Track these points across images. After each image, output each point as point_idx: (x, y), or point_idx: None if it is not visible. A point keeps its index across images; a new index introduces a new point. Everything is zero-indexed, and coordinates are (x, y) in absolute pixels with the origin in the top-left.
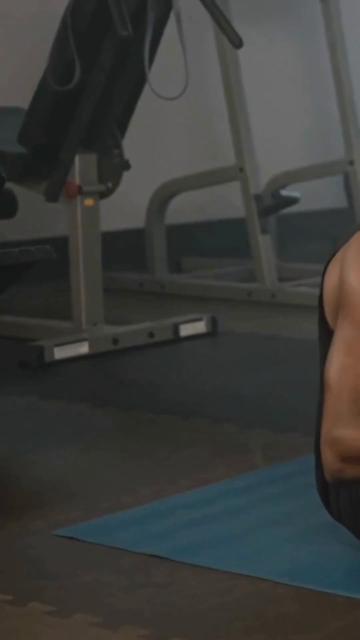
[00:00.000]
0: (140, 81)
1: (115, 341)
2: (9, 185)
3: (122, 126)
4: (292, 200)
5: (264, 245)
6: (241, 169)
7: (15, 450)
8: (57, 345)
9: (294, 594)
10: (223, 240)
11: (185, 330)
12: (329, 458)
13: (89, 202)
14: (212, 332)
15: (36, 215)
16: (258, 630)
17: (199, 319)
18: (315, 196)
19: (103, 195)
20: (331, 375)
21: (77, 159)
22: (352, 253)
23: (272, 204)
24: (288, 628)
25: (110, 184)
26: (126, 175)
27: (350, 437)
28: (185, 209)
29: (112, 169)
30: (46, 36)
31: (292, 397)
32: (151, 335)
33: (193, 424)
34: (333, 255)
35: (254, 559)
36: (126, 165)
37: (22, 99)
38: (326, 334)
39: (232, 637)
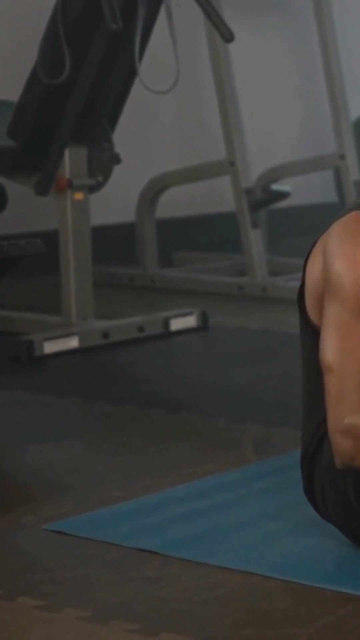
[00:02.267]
0: (130, 75)
1: (105, 335)
2: None
3: (113, 120)
4: (283, 195)
5: (255, 239)
6: (232, 163)
7: (5, 444)
8: (46, 339)
9: (284, 588)
10: (214, 234)
11: (176, 324)
12: (343, 446)
13: (79, 196)
14: (203, 327)
15: (26, 209)
16: (248, 625)
17: (190, 314)
18: (306, 190)
19: (93, 189)
20: (329, 359)
21: (67, 152)
22: (334, 241)
23: (262, 198)
24: (278, 622)
25: (100, 178)
26: (116, 169)
27: None
28: (175, 203)
29: (103, 163)
30: (36, 29)
31: (282, 391)
32: (141, 329)
33: (183, 418)
34: (312, 248)
35: (244, 553)
36: (116, 159)
37: (12, 92)
38: (307, 327)
39: (222, 632)
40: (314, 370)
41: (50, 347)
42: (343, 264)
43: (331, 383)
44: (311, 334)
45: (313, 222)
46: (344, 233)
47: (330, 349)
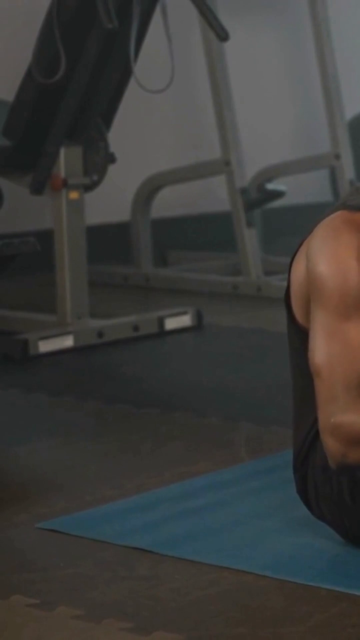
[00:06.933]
0: (125, 74)
1: (100, 334)
2: None
3: (108, 119)
4: (278, 194)
5: (250, 238)
6: (227, 162)
7: None
8: (41, 338)
9: (278, 586)
10: (209, 233)
11: (170, 323)
12: (332, 445)
13: (74, 195)
14: (197, 326)
15: (21, 208)
16: (241, 623)
17: (184, 313)
18: (301, 190)
19: (88, 188)
20: (318, 362)
21: (62, 151)
22: (317, 242)
23: (257, 197)
24: (271, 621)
25: (95, 177)
26: (111, 168)
27: (351, 422)
28: (170, 202)
29: (98, 162)
30: (31, 28)
31: (276, 390)
32: (136, 328)
33: (177, 417)
34: (297, 250)
35: (237, 552)
36: (111, 158)
37: (7, 91)
38: (294, 327)
39: (215, 630)
40: (302, 370)
41: (45, 346)
42: (326, 264)
43: (321, 386)
44: (298, 333)
45: (308, 221)
46: (328, 232)
47: (318, 352)
